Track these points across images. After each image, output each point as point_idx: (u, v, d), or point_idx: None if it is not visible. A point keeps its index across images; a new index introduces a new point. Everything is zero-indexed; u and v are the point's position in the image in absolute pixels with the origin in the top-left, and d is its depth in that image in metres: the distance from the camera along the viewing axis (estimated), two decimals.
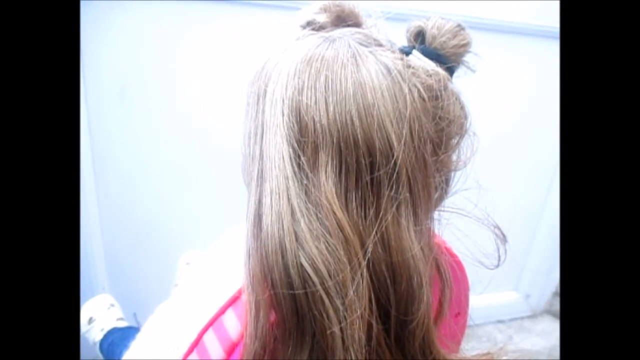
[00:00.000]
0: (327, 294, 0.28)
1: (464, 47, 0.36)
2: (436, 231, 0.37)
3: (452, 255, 0.43)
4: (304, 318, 0.29)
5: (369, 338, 0.30)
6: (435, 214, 0.36)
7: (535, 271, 1.69)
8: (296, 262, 0.29)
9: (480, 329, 1.60)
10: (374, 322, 0.30)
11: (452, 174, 0.37)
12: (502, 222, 0.37)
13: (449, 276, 0.38)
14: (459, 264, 0.45)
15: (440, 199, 0.37)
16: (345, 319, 0.29)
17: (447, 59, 0.35)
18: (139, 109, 1.10)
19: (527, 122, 1.43)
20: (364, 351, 0.29)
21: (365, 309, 0.29)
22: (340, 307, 0.29)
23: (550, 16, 1.24)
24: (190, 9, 1.03)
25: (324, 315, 0.29)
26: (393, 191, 0.30)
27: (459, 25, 0.36)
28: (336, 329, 0.28)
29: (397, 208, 0.31)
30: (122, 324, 0.93)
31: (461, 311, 0.50)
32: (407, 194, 0.31)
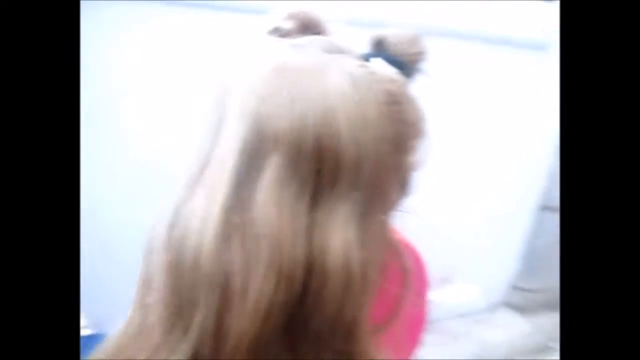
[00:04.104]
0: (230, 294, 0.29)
1: (421, 54, 0.39)
2: (399, 228, 0.40)
3: (413, 252, 0.46)
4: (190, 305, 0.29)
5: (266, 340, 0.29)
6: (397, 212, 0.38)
7: (492, 264, 1.75)
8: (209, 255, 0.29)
9: (440, 322, 1.64)
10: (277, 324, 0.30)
11: (412, 174, 0.39)
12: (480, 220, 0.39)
13: (411, 274, 0.40)
14: (419, 261, 0.48)
15: (401, 197, 0.39)
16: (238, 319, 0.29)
17: (406, 66, 0.38)
18: (139, 108, 1.09)
19: (515, 128, 1.50)
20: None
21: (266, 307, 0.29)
22: (238, 302, 0.29)
23: (534, 28, 1.30)
24: (192, 11, 1.05)
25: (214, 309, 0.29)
26: (343, 191, 0.31)
27: (416, 34, 0.39)
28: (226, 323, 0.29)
29: (341, 208, 0.31)
30: None
31: (422, 307, 0.52)
32: (357, 194, 0.32)
